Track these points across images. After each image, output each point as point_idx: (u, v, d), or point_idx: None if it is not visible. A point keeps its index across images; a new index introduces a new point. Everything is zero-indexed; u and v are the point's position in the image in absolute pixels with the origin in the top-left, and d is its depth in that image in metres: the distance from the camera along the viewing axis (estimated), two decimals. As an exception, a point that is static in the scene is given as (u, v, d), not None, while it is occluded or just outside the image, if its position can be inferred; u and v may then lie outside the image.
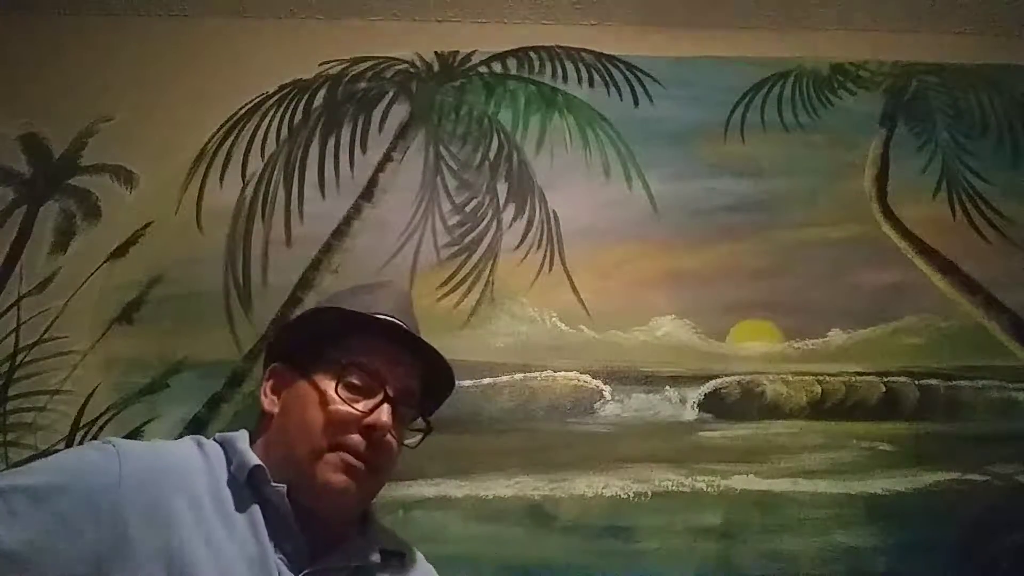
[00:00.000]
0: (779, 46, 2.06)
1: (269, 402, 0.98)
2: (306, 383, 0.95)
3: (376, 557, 0.96)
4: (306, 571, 0.88)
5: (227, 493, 0.88)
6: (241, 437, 0.94)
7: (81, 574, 0.79)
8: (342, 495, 0.91)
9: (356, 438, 0.92)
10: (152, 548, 0.80)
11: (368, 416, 0.92)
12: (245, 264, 1.83)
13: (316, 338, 0.98)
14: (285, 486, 0.89)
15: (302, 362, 0.97)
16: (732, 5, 2.03)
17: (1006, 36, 2.08)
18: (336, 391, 0.93)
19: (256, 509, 0.87)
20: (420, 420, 1.02)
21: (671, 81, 2.01)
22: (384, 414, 0.93)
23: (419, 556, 1.04)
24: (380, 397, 0.94)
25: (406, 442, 0.99)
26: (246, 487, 0.89)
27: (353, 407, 0.93)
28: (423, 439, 1.02)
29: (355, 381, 0.94)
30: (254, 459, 0.90)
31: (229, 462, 0.91)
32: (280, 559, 0.86)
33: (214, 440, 0.94)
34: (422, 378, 1.01)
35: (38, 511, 0.80)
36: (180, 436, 1.61)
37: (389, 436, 0.94)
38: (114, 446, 0.87)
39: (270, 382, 1.00)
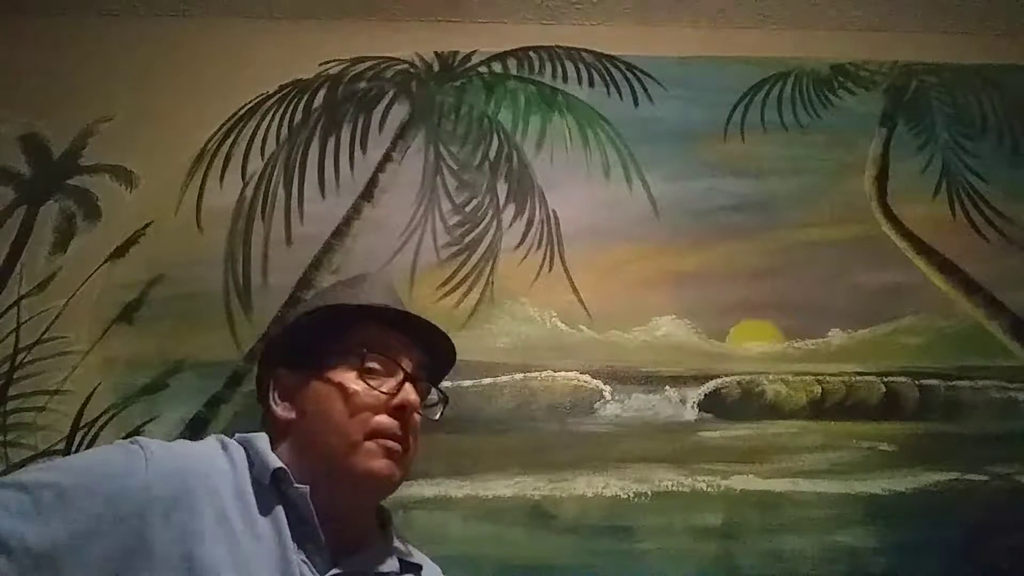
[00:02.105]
0: (779, 46, 2.06)
1: (283, 409, 0.96)
2: (320, 382, 0.95)
3: (395, 567, 0.95)
4: (329, 574, 0.87)
5: (250, 495, 0.87)
6: (261, 438, 0.93)
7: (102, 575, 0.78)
8: (387, 480, 0.92)
9: (389, 421, 0.93)
10: (175, 553, 0.80)
11: (394, 397, 0.93)
12: (245, 264, 1.83)
13: (316, 337, 0.97)
14: (308, 488, 0.88)
15: (308, 363, 0.96)
16: (732, 5, 2.03)
17: (1006, 36, 2.08)
18: (360, 378, 0.94)
19: (280, 511, 0.87)
20: (434, 394, 1.04)
21: (671, 81, 2.01)
22: (410, 392, 0.94)
23: (435, 568, 1.04)
24: (401, 377, 0.95)
25: (428, 414, 1.00)
26: (269, 489, 0.88)
27: (379, 391, 0.94)
28: (444, 409, 1.03)
29: (373, 366, 0.95)
30: (276, 461, 0.89)
31: (251, 464, 0.90)
32: (303, 562, 0.86)
33: (236, 441, 0.94)
34: (425, 353, 1.02)
35: (64, 510, 0.79)
36: (180, 436, 1.64)
37: (418, 414, 0.96)
38: (142, 448, 0.86)
39: (277, 390, 0.98)
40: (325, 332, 0.97)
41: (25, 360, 1.73)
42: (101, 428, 1.69)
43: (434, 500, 1.65)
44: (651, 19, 2.05)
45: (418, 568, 0.99)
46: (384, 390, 0.94)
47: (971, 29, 2.07)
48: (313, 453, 0.91)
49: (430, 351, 1.03)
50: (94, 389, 1.72)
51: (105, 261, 1.82)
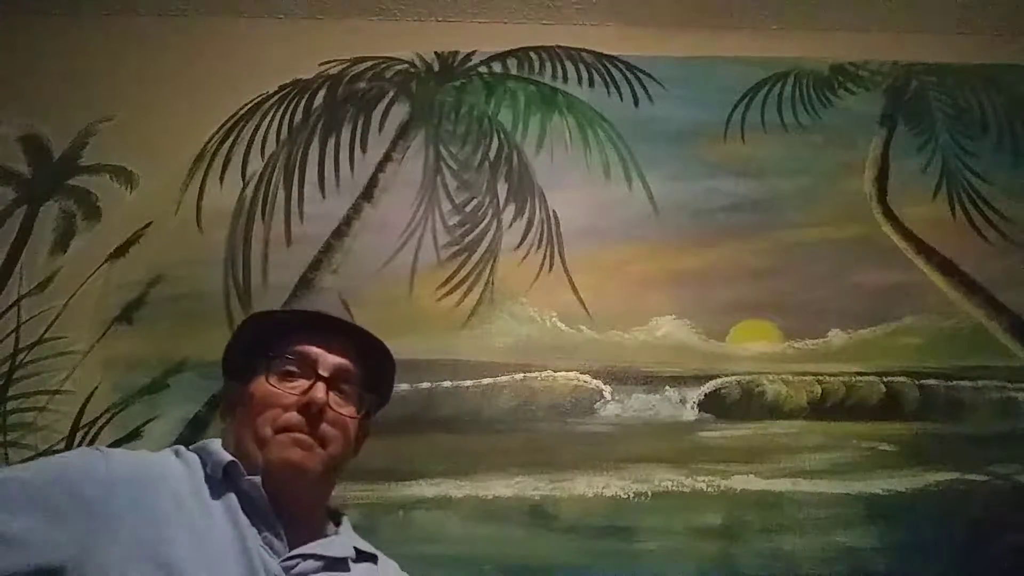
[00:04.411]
0: (779, 46, 2.06)
1: (225, 419, 1.05)
2: (246, 389, 1.01)
3: (351, 553, 1.00)
4: (287, 555, 0.91)
5: (205, 491, 0.92)
6: (213, 442, 0.99)
7: (68, 557, 0.82)
8: (299, 467, 0.96)
9: (295, 415, 0.98)
10: (138, 537, 0.84)
11: (303, 396, 0.98)
12: (245, 264, 1.83)
13: (249, 348, 1.04)
14: (259, 478, 0.93)
15: (244, 374, 1.03)
16: (732, 5, 2.03)
17: (1006, 36, 2.08)
18: (267, 381, 0.99)
19: (233, 499, 0.91)
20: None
21: (671, 81, 2.01)
22: (318, 391, 0.99)
23: (391, 562, 1.08)
24: (312, 379, 1.00)
25: (345, 412, 1.02)
26: (223, 483, 0.93)
27: (287, 391, 0.99)
28: (368, 409, 1.06)
29: (288, 368, 1.01)
30: (227, 456, 0.95)
31: (204, 464, 0.95)
32: (262, 546, 0.90)
33: (190, 449, 0.99)
34: (362, 362, 1.06)
35: (28, 499, 0.84)
36: (180, 436, 1.65)
37: (335, 413, 1.00)
38: (101, 451, 0.92)
39: (224, 401, 1.08)
40: (255, 343, 1.04)
41: (25, 360, 1.73)
42: (101, 428, 1.68)
43: (434, 500, 1.65)
44: (651, 19, 2.05)
45: (374, 557, 1.04)
46: (294, 390, 0.99)
47: (971, 29, 2.07)
48: (241, 454, 0.96)
49: (369, 354, 1.07)
50: (94, 389, 1.72)
51: (105, 261, 1.82)
